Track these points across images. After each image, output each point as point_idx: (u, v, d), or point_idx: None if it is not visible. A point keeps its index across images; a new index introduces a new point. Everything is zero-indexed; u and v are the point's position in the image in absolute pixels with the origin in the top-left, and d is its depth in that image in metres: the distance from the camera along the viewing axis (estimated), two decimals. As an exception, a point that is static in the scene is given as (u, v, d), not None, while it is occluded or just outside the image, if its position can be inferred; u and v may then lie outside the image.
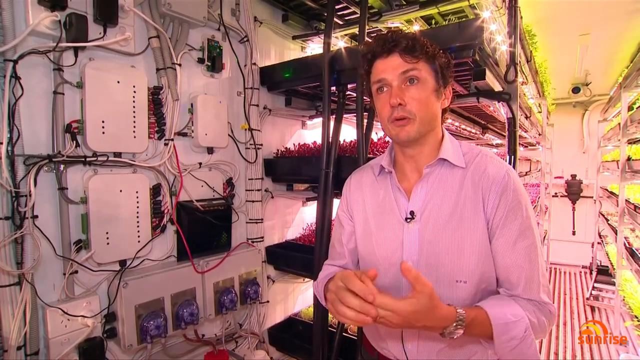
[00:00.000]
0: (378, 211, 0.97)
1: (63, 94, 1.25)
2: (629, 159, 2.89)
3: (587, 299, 4.21)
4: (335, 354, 1.77)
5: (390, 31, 0.88)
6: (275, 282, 2.18)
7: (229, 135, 1.83)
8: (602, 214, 4.60)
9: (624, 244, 2.95)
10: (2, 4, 1.09)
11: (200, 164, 1.71)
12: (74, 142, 1.26)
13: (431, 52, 0.87)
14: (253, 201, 1.97)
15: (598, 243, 4.92)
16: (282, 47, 2.28)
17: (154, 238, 1.53)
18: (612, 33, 3.19)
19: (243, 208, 1.97)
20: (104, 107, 1.32)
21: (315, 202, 1.85)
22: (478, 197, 0.84)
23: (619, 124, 3.15)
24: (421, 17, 2.03)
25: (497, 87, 1.62)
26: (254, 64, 1.93)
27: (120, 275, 1.37)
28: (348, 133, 2.45)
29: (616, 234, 3.05)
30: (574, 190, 5.67)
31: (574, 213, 5.79)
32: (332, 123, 1.82)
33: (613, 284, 3.41)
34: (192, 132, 1.68)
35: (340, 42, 2.31)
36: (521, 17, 1.99)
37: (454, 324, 0.73)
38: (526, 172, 4.76)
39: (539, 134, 3.83)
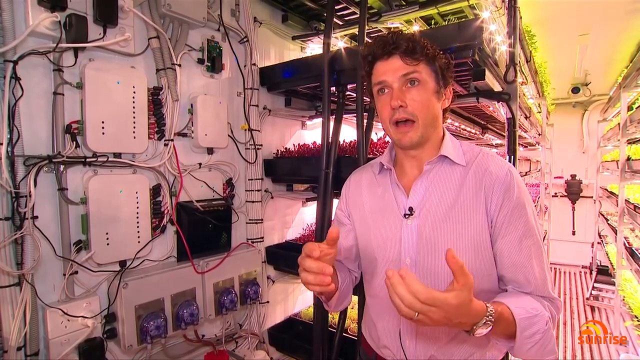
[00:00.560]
0: (377, 208, 0.97)
1: (63, 94, 1.25)
2: (628, 158, 2.89)
3: (587, 299, 4.21)
4: (336, 354, 1.77)
5: (390, 32, 0.88)
6: (275, 283, 2.18)
7: (228, 135, 1.83)
8: (601, 214, 4.61)
9: (624, 244, 2.95)
10: (2, 5, 1.09)
11: (200, 164, 1.71)
12: (74, 142, 1.26)
13: (431, 53, 0.87)
14: (253, 201, 1.97)
15: (598, 243, 4.93)
16: (281, 48, 2.28)
17: (154, 238, 1.53)
18: (612, 33, 3.19)
19: (243, 208, 1.97)
20: (104, 107, 1.32)
21: (315, 202, 1.85)
22: (480, 195, 0.84)
23: (619, 124, 3.16)
24: (421, 17, 2.03)
25: (497, 87, 1.62)
26: (254, 64, 1.93)
27: (120, 276, 1.37)
28: (348, 133, 2.45)
29: (616, 233, 3.06)
30: (573, 190, 5.67)
31: (573, 213, 5.79)
32: (331, 123, 1.82)
33: (613, 283, 3.42)
34: (192, 132, 1.68)
35: (340, 42, 2.31)
36: (521, 18, 1.98)
37: (483, 320, 0.69)
38: (526, 172, 4.73)
39: (539, 134, 3.82)
